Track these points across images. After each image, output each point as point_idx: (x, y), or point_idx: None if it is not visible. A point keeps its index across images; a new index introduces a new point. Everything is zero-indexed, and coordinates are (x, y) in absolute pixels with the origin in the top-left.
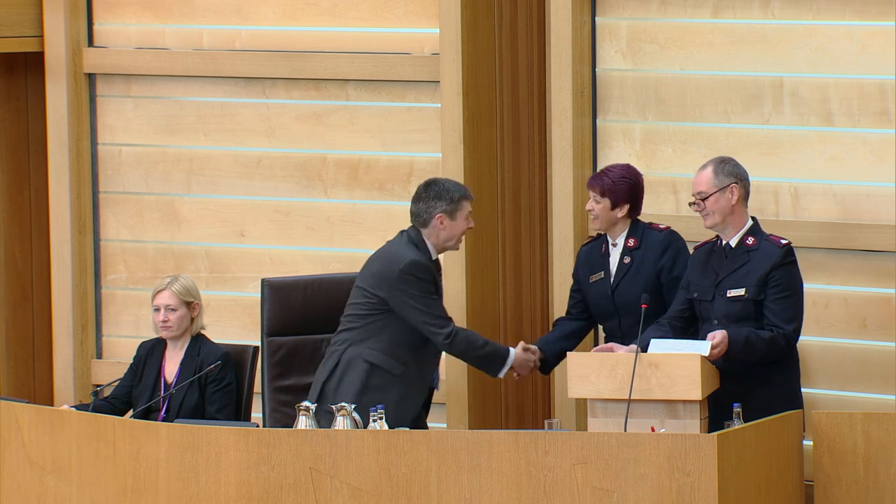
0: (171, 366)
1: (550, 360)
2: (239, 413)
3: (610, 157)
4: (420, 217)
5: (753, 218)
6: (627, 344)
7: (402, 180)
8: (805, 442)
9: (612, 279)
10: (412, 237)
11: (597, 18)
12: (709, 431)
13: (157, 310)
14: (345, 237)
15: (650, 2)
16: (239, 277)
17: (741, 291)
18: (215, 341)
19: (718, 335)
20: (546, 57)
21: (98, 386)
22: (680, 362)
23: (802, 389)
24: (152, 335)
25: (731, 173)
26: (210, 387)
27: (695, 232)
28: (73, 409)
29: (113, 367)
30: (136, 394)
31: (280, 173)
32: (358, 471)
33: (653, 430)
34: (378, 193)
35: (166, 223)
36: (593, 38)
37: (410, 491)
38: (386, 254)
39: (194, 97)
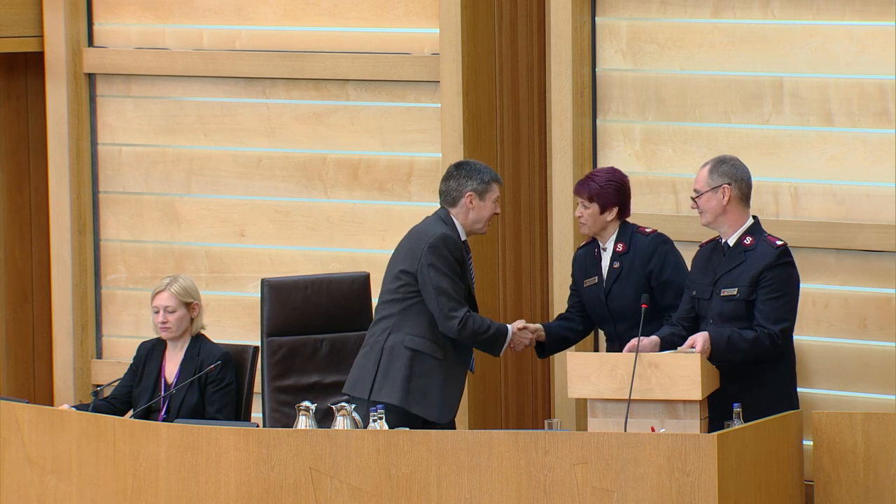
0: (172, 366)
1: (549, 344)
2: (239, 413)
3: (610, 156)
4: (449, 195)
5: (755, 217)
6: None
7: (402, 180)
8: (805, 442)
9: (604, 284)
10: (442, 216)
11: (597, 18)
12: (709, 431)
13: (157, 311)
14: (345, 237)
15: (650, 2)
16: (239, 277)
17: (734, 291)
18: (215, 341)
19: (699, 341)
20: (546, 57)
21: (98, 386)
22: (680, 362)
23: (803, 389)
24: (152, 335)
25: (726, 174)
26: (210, 387)
27: (693, 232)
28: (73, 409)
29: (113, 367)
30: (136, 394)
31: (280, 173)
32: (358, 471)
33: (653, 430)
34: (378, 193)
35: (166, 223)
36: (593, 38)
37: (410, 491)
38: (417, 231)
39: (194, 97)
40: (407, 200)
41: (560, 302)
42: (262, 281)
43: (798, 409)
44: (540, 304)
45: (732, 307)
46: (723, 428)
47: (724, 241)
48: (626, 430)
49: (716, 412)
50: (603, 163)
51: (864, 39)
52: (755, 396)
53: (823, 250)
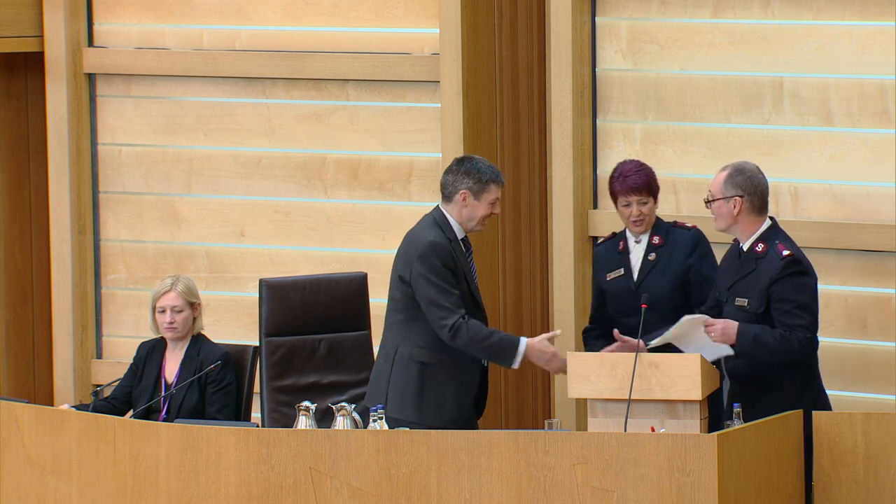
0: (172, 366)
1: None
2: (239, 413)
3: (610, 156)
4: (445, 189)
5: (772, 219)
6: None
7: (402, 180)
8: None
9: (634, 276)
10: (436, 217)
11: (597, 18)
12: (709, 431)
13: (163, 311)
14: (345, 237)
15: (650, 2)
16: (239, 277)
17: (744, 302)
18: (215, 341)
19: (724, 325)
20: (546, 57)
21: (98, 386)
22: (680, 362)
23: None
24: (152, 335)
25: (740, 185)
26: (210, 387)
27: None
28: (73, 409)
29: (113, 367)
30: (137, 394)
31: (280, 173)
32: (358, 471)
33: (653, 430)
34: (378, 193)
35: (166, 223)
36: (593, 38)
37: (410, 491)
38: (410, 236)
39: (194, 97)
40: (407, 200)
41: (560, 302)
42: (261, 281)
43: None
44: (540, 304)
45: (744, 317)
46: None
47: (740, 245)
48: (626, 430)
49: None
50: (603, 163)
51: (864, 39)
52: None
53: (823, 250)
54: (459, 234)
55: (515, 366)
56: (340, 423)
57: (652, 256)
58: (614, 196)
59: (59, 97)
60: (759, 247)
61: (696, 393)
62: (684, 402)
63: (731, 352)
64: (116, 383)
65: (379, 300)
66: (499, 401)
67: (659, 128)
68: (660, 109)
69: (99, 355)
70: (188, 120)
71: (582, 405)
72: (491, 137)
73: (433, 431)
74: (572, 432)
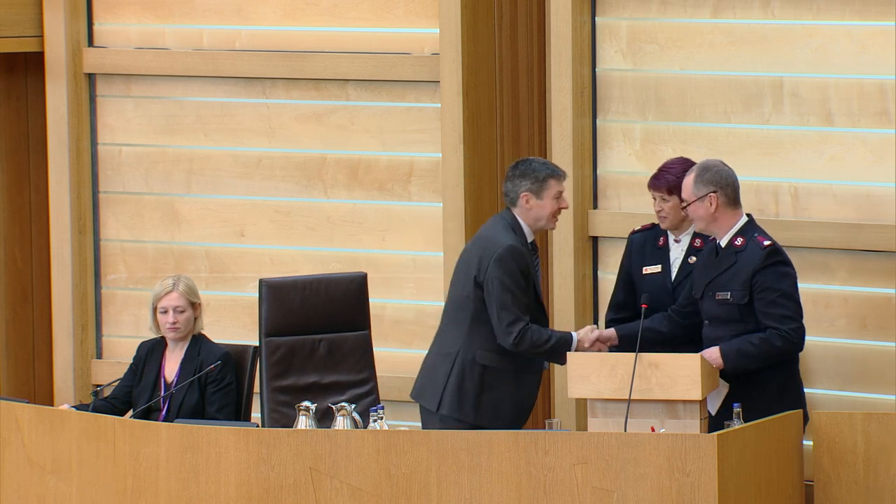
0: (172, 366)
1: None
2: (239, 413)
3: (610, 156)
4: (508, 197)
5: (748, 215)
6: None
7: (402, 180)
8: (805, 442)
9: (672, 275)
10: (508, 220)
11: (597, 18)
12: (709, 431)
13: (165, 312)
14: (345, 237)
15: (650, 2)
16: (239, 277)
17: (727, 295)
18: (215, 341)
19: (708, 356)
20: (546, 57)
21: (98, 386)
22: (680, 362)
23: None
24: (152, 335)
25: (711, 181)
26: (210, 387)
27: None
28: (73, 409)
29: (113, 367)
30: (136, 394)
31: (280, 173)
32: (358, 471)
33: (653, 430)
34: (378, 193)
35: (166, 223)
36: (593, 38)
37: (410, 491)
38: (484, 238)
39: (194, 97)
40: (407, 200)
41: (561, 302)
42: (261, 281)
43: (803, 407)
44: None
45: (726, 310)
46: (722, 428)
47: (718, 241)
48: (626, 430)
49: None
50: (603, 163)
51: (864, 39)
52: (756, 397)
53: (823, 250)
54: (529, 238)
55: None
56: (340, 423)
57: (692, 260)
58: (649, 188)
59: (59, 97)
60: (738, 241)
61: (696, 393)
62: (684, 402)
63: (726, 386)
64: (116, 383)
65: (379, 300)
66: None
67: (659, 128)
68: (660, 109)
69: (99, 355)
70: (188, 120)
71: (582, 405)
72: (491, 137)
73: (433, 431)
74: (572, 432)
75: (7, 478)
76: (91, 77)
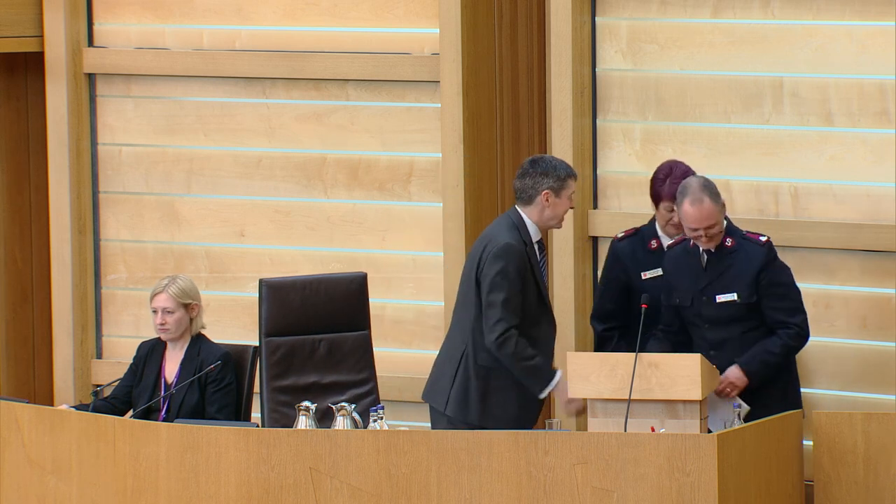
0: (172, 366)
1: None
2: (239, 413)
3: (610, 156)
4: (525, 193)
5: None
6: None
7: (402, 180)
8: (805, 442)
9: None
10: (512, 218)
11: (597, 18)
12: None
13: (155, 312)
14: (345, 237)
15: (650, 2)
16: (239, 277)
17: (732, 297)
18: (215, 341)
19: (734, 380)
20: (546, 57)
21: (98, 386)
22: (680, 362)
23: (803, 389)
24: (152, 335)
25: (718, 195)
26: (210, 387)
27: None
28: (73, 409)
29: (113, 367)
30: (136, 394)
31: (280, 173)
32: (358, 471)
33: (653, 430)
34: (378, 193)
35: (166, 223)
36: (593, 38)
37: (410, 491)
38: (486, 237)
39: (194, 97)
40: (407, 200)
41: (561, 302)
42: (261, 281)
43: (800, 407)
44: None
45: (732, 311)
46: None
47: (700, 246)
48: (626, 430)
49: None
50: (603, 163)
51: (864, 39)
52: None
53: (823, 250)
54: (535, 237)
55: (542, 395)
56: (340, 423)
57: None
58: (661, 198)
59: (59, 97)
60: (728, 241)
61: (696, 393)
62: (684, 402)
63: (746, 406)
64: (116, 383)
65: (379, 300)
66: None
67: (659, 128)
68: (660, 109)
69: (99, 355)
70: (188, 120)
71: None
72: (491, 137)
73: (433, 431)
74: (572, 432)
75: (7, 478)
76: (91, 77)
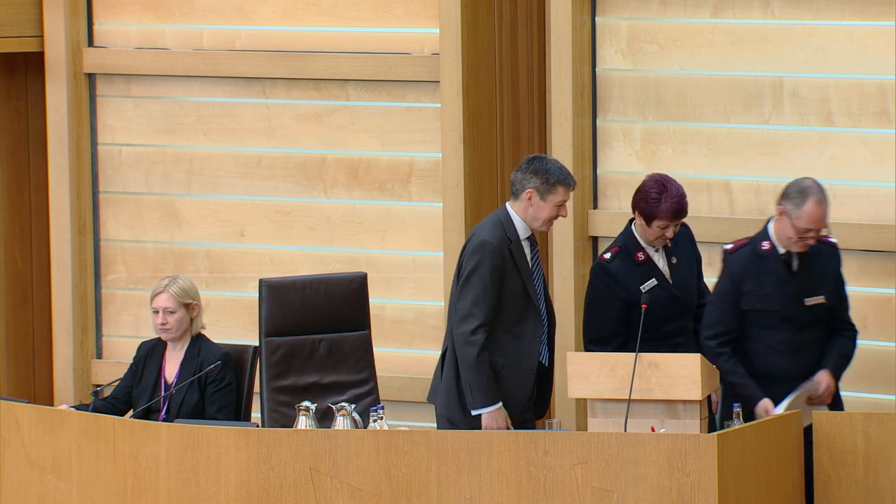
0: (172, 366)
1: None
2: (239, 413)
3: (610, 156)
4: (514, 187)
5: None
6: (697, 341)
7: (402, 180)
8: None
9: (670, 280)
10: (500, 215)
11: (597, 18)
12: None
13: (156, 312)
14: (345, 237)
15: (650, 2)
16: (239, 277)
17: (821, 299)
18: (215, 341)
19: (827, 383)
20: (546, 57)
21: (98, 386)
22: (680, 362)
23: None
24: (152, 335)
25: None
26: (210, 387)
27: (694, 231)
28: (73, 409)
29: (113, 367)
30: (137, 394)
31: (280, 173)
32: (358, 471)
33: (653, 430)
34: (378, 193)
35: (166, 223)
36: (593, 38)
37: (410, 491)
38: (473, 231)
39: (194, 97)
40: (407, 200)
41: (560, 302)
42: (261, 281)
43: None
44: None
45: (819, 314)
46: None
47: (782, 249)
48: (626, 430)
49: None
50: (603, 163)
51: (864, 39)
52: None
53: None
54: (524, 234)
55: (474, 412)
56: (340, 423)
57: (674, 260)
58: (655, 216)
59: (59, 97)
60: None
61: (696, 393)
62: (684, 402)
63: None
64: (116, 383)
65: (379, 300)
66: None
67: (659, 128)
68: (660, 109)
69: (99, 355)
70: (188, 120)
71: (582, 405)
72: (491, 137)
73: (433, 431)
74: (572, 432)
75: (7, 478)
76: (91, 77)
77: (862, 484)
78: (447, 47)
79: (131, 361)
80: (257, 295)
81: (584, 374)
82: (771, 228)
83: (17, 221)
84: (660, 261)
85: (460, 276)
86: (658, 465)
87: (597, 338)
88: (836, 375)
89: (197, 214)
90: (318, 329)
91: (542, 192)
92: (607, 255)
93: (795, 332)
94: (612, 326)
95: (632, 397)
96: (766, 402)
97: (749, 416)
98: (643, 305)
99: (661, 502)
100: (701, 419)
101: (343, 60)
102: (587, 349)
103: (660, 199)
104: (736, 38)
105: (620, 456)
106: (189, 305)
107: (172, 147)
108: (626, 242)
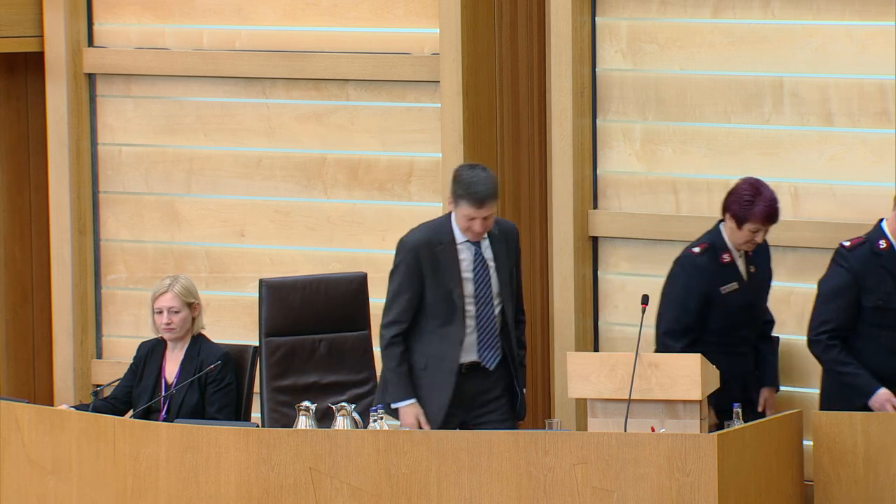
0: (172, 366)
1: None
2: (239, 413)
3: (610, 156)
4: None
5: None
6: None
7: (402, 180)
8: (805, 442)
9: (748, 288)
10: (446, 215)
11: (597, 18)
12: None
13: (160, 312)
14: (345, 237)
15: (650, 2)
16: (239, 277)
17: None
18: (215, 341)
19: None
20: (546, 57)
21: (98, 386)
22: (680, 362)
23: (803, 389)
24: (152, 335)
25: None
26: (210, 387)
27: (692, 231)
28: (73, 409)
29: (113, 367)
30: (137, 394)
31: (280, 173)
32: (358, 471)
33: (653, 430)
34: (378, 193)
35: (166, 223)
36: (593, 38)
37: (410, 491)
38: None
39: (194, 97)
40: (407, 200)
41: (560, 302)
42: (261, 281)
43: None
44: (540, 304)
45: None
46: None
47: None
48: (626, 430)
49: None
50: (603, 163)
51: (864, 39)
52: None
53: (823, 250)
54: (460, 238)
55: (393, 405)
56: (340, 423)
57: (752, 269)
58: (748, 219)
59: (59, 97)
60: (882, 244)
61: (696, 393)
62: (684, 402)
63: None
64: (116, 383)
65: (379, 300)
66: None
67: (659, 128)
68: (660, 109)
69: (99, 355)
70: (188, 120)
71: (582, 405)
72: (491, 137)
73: (433, 431)
74: (572, 432)
75: (7, 478)
76: (91, 77)
77: (862, 484)
78: (447, 47)
79: (131, 361)
80: (257, 295)
81: (584, 374)
82: (885, 227)
83: (17, 221)
84: (741, 266)
85: None
86: (658, 465)
87: (672, 329)
88: None
89: (197, 214)
90: (318, 329)
91: (455, 201)
92: (696, 249)
93: None
94: (689, 319)
95: (632, 397)
96: (884, 393)
97: (750, 417)
98: (643, 305)
99: (661, 502)
100: (701, 419)
101: (343, 60)
102: (661, 342)
103: (753, 202)
104: (736, 38)
105: (620, 456)
106: (192, 305)
107: (172, 147)
108: (713, 241)
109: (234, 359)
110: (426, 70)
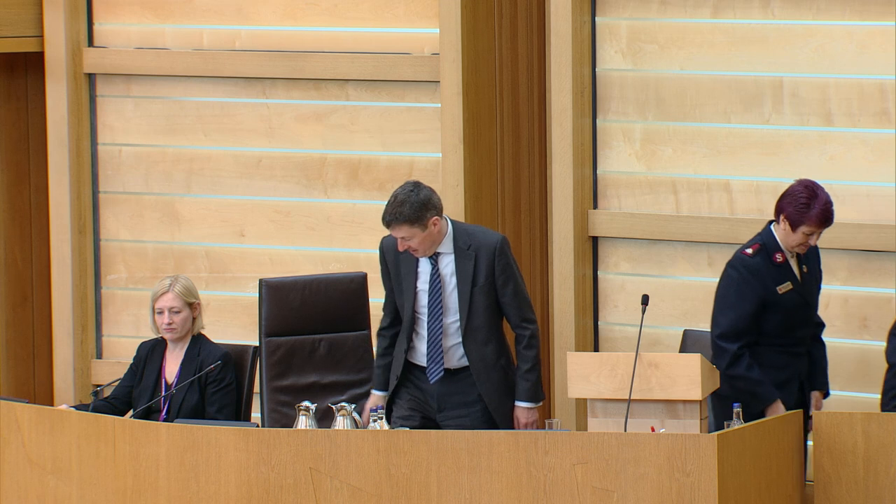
0: (172, 366)
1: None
2: (239, 413)
3: (610, 156)
4: None
5: None
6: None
7: (402, 180)
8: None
9: (802, 288)
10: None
11: (597, 18)
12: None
13: (161, 312)
14: (345, 237)
15: (650, 2)
16: (239, 277)
17: None
18: (215, 341)
19: None
20: (546, 57)
21: (98, 386)
22: (680, 362)
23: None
24: (152, 335)
25: None
26: (210, 387)
27: (693, 231)
28: (73, 409)
29: (113, 367)
30: (137, 394)
31: (280, 173)
32: (358, 471)
33: (653, 430)
34: (378, 193)
35: (166, 223)
36: (593, 38)
37: (410, 491)
38: None
39: (194, 97)
40: None
41: (560, 301)
42: (261, 281)
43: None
44: (540, 304)
45: None
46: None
47: None
48: (626, 430)
49: None
50: (603, 163)
51: (864, 39)
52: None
53: (823, 250)
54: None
55: (373, 392)
56: (340, 423)
57: (805, 269)
58: (803, 222)
59: (59, 97)
60: None
61: (696, 393)
62: (684, 402)
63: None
64: (116, 383)
65: (379, 300)
66: None
67: (659, 128)
68: (660, 109)
69: (99, 355)
70: (188, 120)
71: (582, 405)
72: (491, 137)
73: (433, 431)
74: (572, 432)
75: (7, 478)
76: (91, 77)
77: (862, 484)
78: (447, 47)
79: (131, 361)
80: (257, 295)
81: (584, 373)
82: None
83: (17, 221)
84: (794, 266)
85: None
86: (658, 465)
87: (728, 333)
88: None
89: (197, 214)
90: (318, 329)
91: None
92: (749, 251)
93: None
94: (745, 323)
95: (632, 397)
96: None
97: (748, 416)
98: (643, 305)
99: (661, 502)
100: (701, 419)
101: (343, 60)
102: (717, 346)
103: (809, 204)
104: (736, 38)
105: (620, 456)
106: (192, 304)
107: (172, 147)
108: (766, 241)
109: (234, 359)
110: (426, 70)
